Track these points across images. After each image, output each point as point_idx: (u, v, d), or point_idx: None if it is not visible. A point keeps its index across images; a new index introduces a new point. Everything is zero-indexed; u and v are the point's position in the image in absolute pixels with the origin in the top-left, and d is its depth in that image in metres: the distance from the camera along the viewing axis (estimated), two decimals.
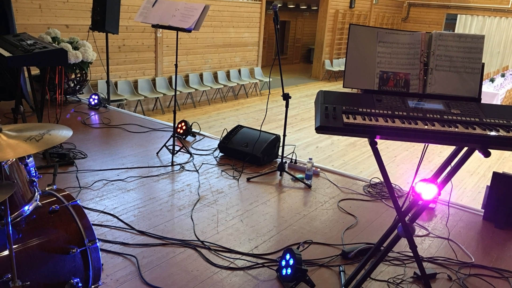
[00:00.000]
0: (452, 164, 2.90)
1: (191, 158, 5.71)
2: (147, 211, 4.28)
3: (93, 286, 2.75)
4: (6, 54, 4.67)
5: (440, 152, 9.99)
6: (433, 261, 3.78)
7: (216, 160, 5.70)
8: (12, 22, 6.73)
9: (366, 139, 2.64)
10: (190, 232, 3.96)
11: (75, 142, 5.92)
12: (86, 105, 7.84)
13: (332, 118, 2.60)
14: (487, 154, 2.54)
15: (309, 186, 5.09)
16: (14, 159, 2.44)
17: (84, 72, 7.95)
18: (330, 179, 5.33)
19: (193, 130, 6.58)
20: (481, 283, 3.52)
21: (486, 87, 14.65)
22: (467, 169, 9.06)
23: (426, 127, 2.55)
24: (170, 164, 5.45)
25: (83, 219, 2.71)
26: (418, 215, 3.00)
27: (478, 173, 9.01)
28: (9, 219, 2.17)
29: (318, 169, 5.52)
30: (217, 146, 6.00)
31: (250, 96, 14.55)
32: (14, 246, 2.37)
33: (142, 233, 3.90)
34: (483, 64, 2.86)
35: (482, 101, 2.83)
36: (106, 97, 8.26)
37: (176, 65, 5.41)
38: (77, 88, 8.08)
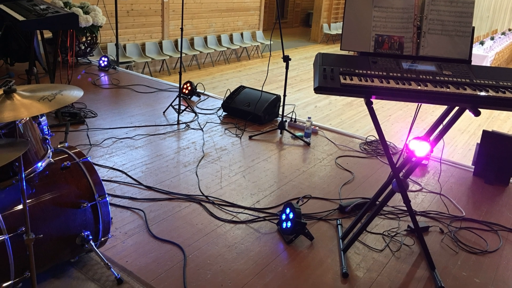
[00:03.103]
0: (444, 122, 2.88)
1: (196, 117, 5.68)
2: (154, 168, 4.28)
3: (103, 239, 2.77)
4: (20, 18, 4.63)
5: (432, 112, 9.94)
6: (426, 215, 3.79)
7: (219, 119, 5.67)
8: None
9: (362, 99, 2.61)
10: (195, 188, 3.97)
11: (85, 102, 5.89)
12: (96, 66, 7.78)
13: (330, 79, 2.57)
14: (477, 113, 2.52)
15: (308, 144, 5.07)
16: (27, 118, 2.42)
17: (94, 35, 7.87)
18: (328, 137, 5.31)
19: (197, 90, 6.54)
20: (471, 236, 3.53)
21: (476, 49, 14.50)
22: (458, 128, 9.03)
23: (419, 87, 2.53)
24: (176, 122, 5.43)
25: (93, 175, 2.70)
26: (411, 171, 2.99)
27: (468, 131, 8.97)
28: (23, 175, 2.16)
29: (317, 128, 5.50)
30: (220, 106, 5.97)
31: (252, 58, 14.41)
32: (28, 201, 2.38)
33: (149, 188, 3.90)
34: (473, 27, 2.82)
35: (472, 63, 2.80)
36: (115, 59, 8.18)
37: (181, 29, 5.36)
38: (87, 51, 8.01)
